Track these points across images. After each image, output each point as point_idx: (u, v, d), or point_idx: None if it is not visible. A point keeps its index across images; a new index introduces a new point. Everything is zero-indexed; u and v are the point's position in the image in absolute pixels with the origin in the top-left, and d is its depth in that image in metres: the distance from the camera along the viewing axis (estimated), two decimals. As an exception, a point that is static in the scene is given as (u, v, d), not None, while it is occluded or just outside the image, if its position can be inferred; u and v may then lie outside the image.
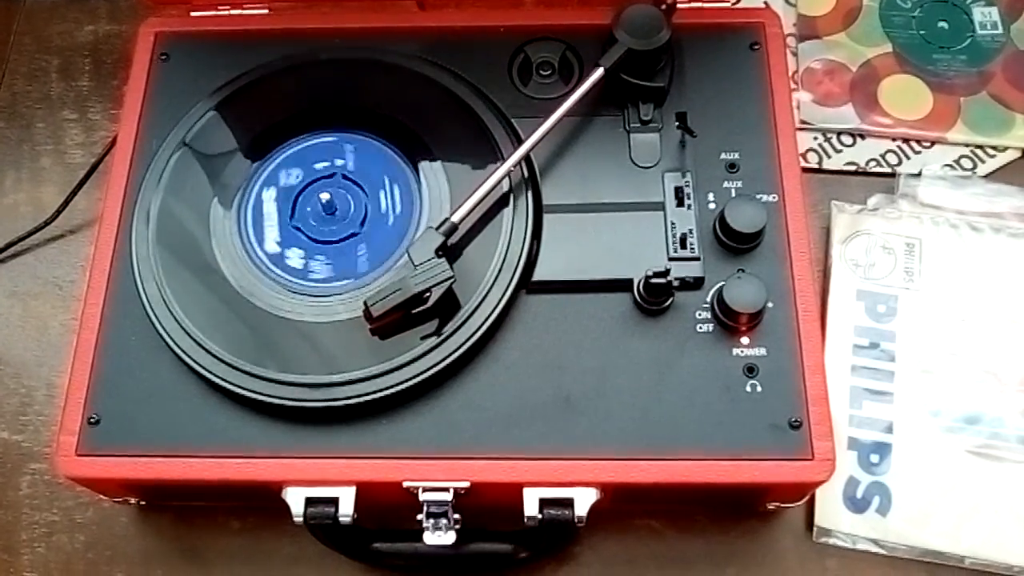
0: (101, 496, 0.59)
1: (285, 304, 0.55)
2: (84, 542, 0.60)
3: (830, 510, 0.58)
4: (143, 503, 0.60)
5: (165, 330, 0.54)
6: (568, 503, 0.51)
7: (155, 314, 0.55)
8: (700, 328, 0.54)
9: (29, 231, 0.69)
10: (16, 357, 0.66)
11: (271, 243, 0.57)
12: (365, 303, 0.52)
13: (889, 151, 0.69)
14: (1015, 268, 0.63)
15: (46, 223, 0.69)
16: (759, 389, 0.53)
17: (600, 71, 0.57)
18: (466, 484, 0.51)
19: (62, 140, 0.73)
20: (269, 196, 0.58)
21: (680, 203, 0.56)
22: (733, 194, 0.57)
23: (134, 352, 0.55)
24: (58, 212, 0.69)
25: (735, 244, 0.55)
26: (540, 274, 0.55)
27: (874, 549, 0.57)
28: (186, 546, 0.60)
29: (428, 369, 0.52)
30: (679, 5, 0.59)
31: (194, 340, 0.54)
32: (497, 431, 0.52)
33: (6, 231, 0.69)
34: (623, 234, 0.56)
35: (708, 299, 0.54)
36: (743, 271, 0.54)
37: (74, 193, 0.69)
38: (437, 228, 0.54)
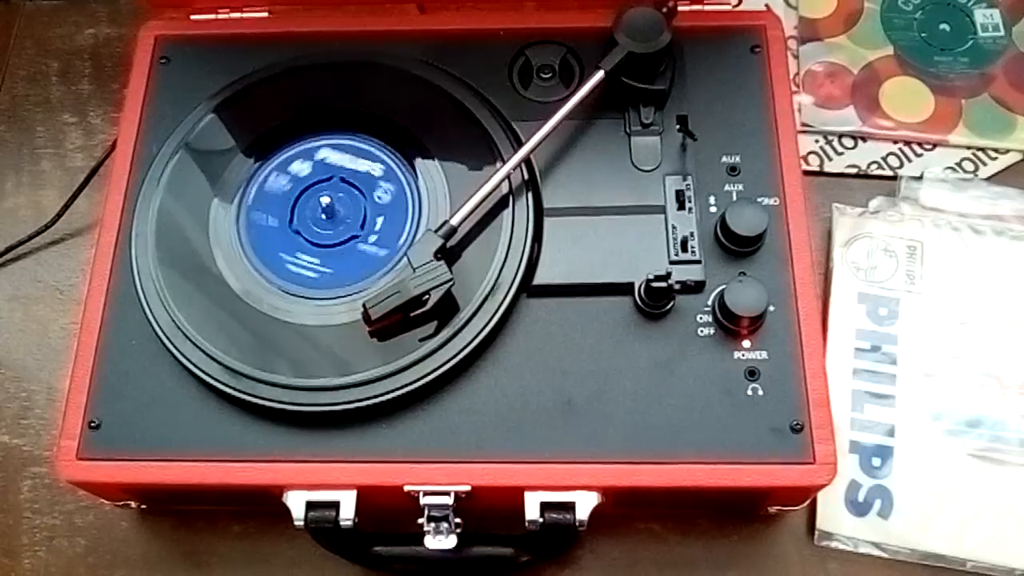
0: (102, 500, 0.59)
1: (284, 307, 0.55)
2: (85, 546, 0.60)
3: (832, 513, 0.58)
4: (144, 507, 0.60)
5: (165, 334, 0.54)
6: (569, 507, 0.51)
7: (155, 318, 0.55)
8: (701, 332, 0.54)
9: (29, 235, 0.69)
10: (17, 361, 0.66)
11: (270, 246, 0.57)
12: (364, 305, 0.52)
13: (891, 154, 0.69)
14: (1017, 271, 0.63)
15: (46, 227, 0.69)
16: (760, 393, 0.52)
17: (600, 74, 0.57)
18: (467, 488, 0.51)
19: (62, 143, 0.73)
20: (268, 199, 0.58)
21: (681, 206, 0.56)
22: (734, 197, 0.57)
23: (134, 356, 0.55)
24: (58, 216, 0.69)
25: (736, 247, 0.55)
26: (541, 278, 0.55)
27: (876, 552, 0.57)
28: (186, 550, 0.60)
29: (429, 373, 0.52)
30: (680, 8, 0.59)
31: (194, 344, 0.54)
32: (498, 435, 0.52)
33: (6, 235, 0.69)
34: (624, 238, 0.56)
35: (709, 303, 0.54)
36: (744, 274, 0.54)
37: (74, 197, 0.68)
38: (436, 231, 0.53)
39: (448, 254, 0.54)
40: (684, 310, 0.54)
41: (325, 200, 0.56)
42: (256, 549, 0.59)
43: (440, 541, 0.52)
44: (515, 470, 0.51)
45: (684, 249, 0.55)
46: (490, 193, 0.55)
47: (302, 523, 0.52)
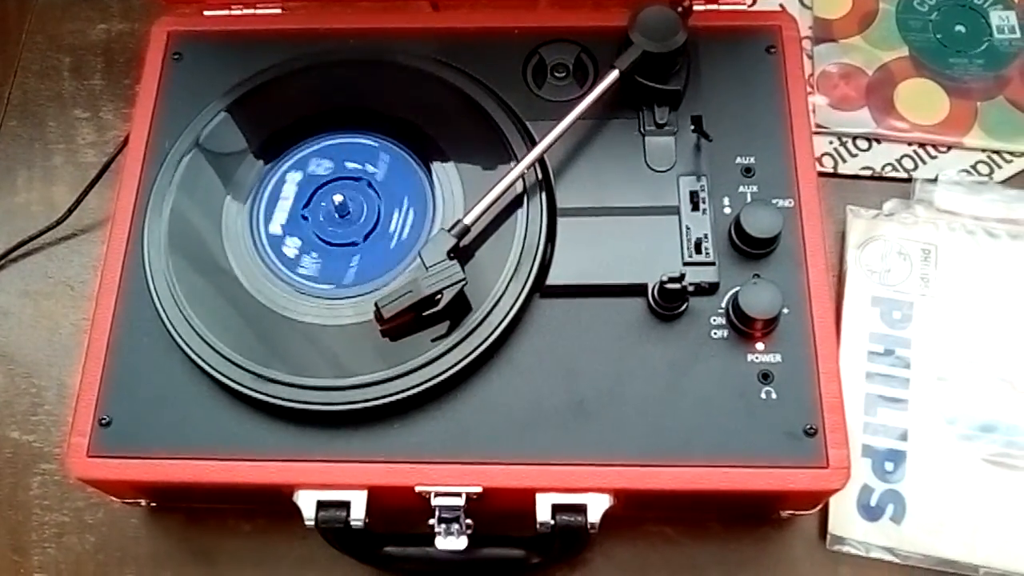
0: (111, 497, 0.59)
1: (297, 306, 0.55)
2: (94, 543, 0.60)
3: (844, 518, 0.58)
4: (153, 504, 0.60)
5: (177, 331, 0.54)
6: (581, 509, 0.51)
7: (167, 315, 0.55)
8: (715, 334, 0.54)
9: (40, 230, 0.68)
10: (27, 357, 0.66)
11: (283, 245, 0.57)
12: (376, 305, 0.52)
13: (905, 156, 0.69)
14: (1032, 275, 0.63)
15: (57, 222, 0.68)
16: (774, 396, 0.52)
17: (615, 73, 0.57)
18: (478, 489, 0.51)
19: (74, 139, 0.73)
20: (281, 197, 0.58)
21: (695, 207, 0.56)
22: (748, 199, 0.57)
23: (145, 353, 0.55)
24: (70, 211, 0.68)
25: (750, 249, 0.55)
26: (554, 278, 0.55)
27: (888, 557, 0.57)
28: (196, 548, 0.60)
29: (441, 373, 0.52)
30: (695, 7, 0.59)
31: (206, 342, 0.54)
32: (510, 436, 0.52)
33: (17, 230, 0.69)
34: (637, 238, 0.55)
35: (723, 305, 0.54)
36: (758, 277, 0.54)
37: (86, 192, 0.68)
38: (449, 230, 0.53)
39: (461, 253, 0.53)
40: (697, 312, 0.54)
41: (338, 199, 0.56)
42: (266, 548, 0.59)
43: (451, 542, 0.52)
44: (527, 471, 0.51)
45: (698, 251, 0.55)
46: (504, 192, 0.54)
47: (312, 523, 0.52)
